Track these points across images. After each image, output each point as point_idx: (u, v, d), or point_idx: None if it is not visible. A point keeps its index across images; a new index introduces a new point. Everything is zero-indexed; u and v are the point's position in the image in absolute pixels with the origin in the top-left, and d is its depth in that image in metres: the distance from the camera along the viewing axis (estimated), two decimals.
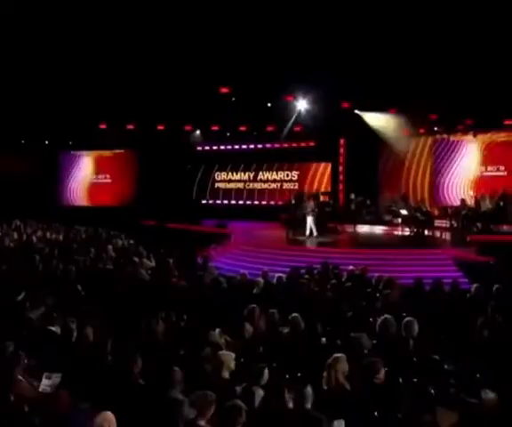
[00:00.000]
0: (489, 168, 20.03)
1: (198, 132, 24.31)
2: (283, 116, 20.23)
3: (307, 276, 9.28)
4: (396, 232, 17.94)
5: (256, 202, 25.34)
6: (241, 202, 25.64)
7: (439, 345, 5.97)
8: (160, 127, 22.97)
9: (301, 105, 18.99)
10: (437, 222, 18.05)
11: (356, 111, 19.20)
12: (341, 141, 23.06)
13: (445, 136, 20.99)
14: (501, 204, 16.71)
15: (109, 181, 28.03)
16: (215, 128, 23.20)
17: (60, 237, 15.95)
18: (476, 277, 10.26)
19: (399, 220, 18.16)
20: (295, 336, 5.96)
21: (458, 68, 15.33)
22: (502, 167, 19.61)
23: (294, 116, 19.55)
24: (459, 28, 14.00)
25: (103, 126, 22.98)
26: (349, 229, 19.09)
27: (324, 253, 13.35)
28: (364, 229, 19.06)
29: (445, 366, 5.41)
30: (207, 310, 7.33)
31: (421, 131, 21.02)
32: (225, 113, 20.17)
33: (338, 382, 4.68)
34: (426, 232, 16.68)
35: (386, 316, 6.14)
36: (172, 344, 5.88)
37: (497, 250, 13.26)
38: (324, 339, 5.99)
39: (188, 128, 23.87)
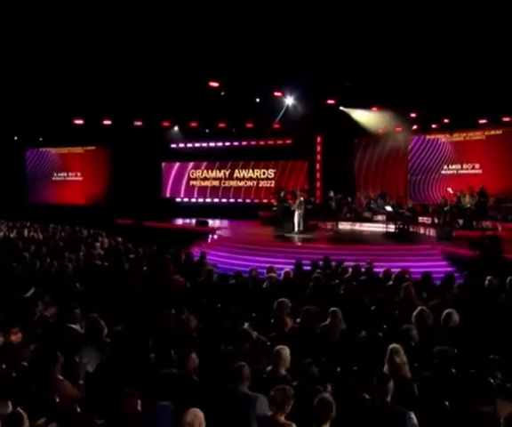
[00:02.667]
0: (464, 166, 20.50)
1: (176, 128, 23.90)
2: (266, 113, 20.07)
3: (318, 270, 9.16)
4: (380, 229, 18.04)
5: (232, 200, 25.17)
6: (216, 200, 25.41)
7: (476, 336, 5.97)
8: (138, 123, 22.47)
9: (289, 101, 18.89)
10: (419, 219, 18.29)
11: (341, 108, 19.24)
12: (318, 139, 23.20)
13: (422, 134, 21.40)
14: (482, 200, 17.07)
15: (80, 178, 27.24)
16: (194, 124, 22.87)
17: (40, 236, 15.32)
18: (471, 272, 10.45)
19: (380, 216, 18.34)
20: (336, 330, 5.82)
21: (436, 69, 15.61)
22: (477, 165, 20.08)
23: (282, 112, 19.41)
24: (439, 31, 14.25)
25: (79, 122, 22.23)
26: (330, 226, 19.11)
27: (318, 249, 13.27)
28: (346, 226, 19.10)
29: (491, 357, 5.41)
30: (229, 305, 7.11)
31: (398, 129, 21.30)
32: (206, 109, 19.89)
33: (399, 373, 4.57)
34: (410, 228, 16.86)
35: (421, 307, 6.09)
36: (210, 340, 5.62)
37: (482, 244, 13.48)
38: (363, 332, 5.88)
39: (165, 124, 23.44)
